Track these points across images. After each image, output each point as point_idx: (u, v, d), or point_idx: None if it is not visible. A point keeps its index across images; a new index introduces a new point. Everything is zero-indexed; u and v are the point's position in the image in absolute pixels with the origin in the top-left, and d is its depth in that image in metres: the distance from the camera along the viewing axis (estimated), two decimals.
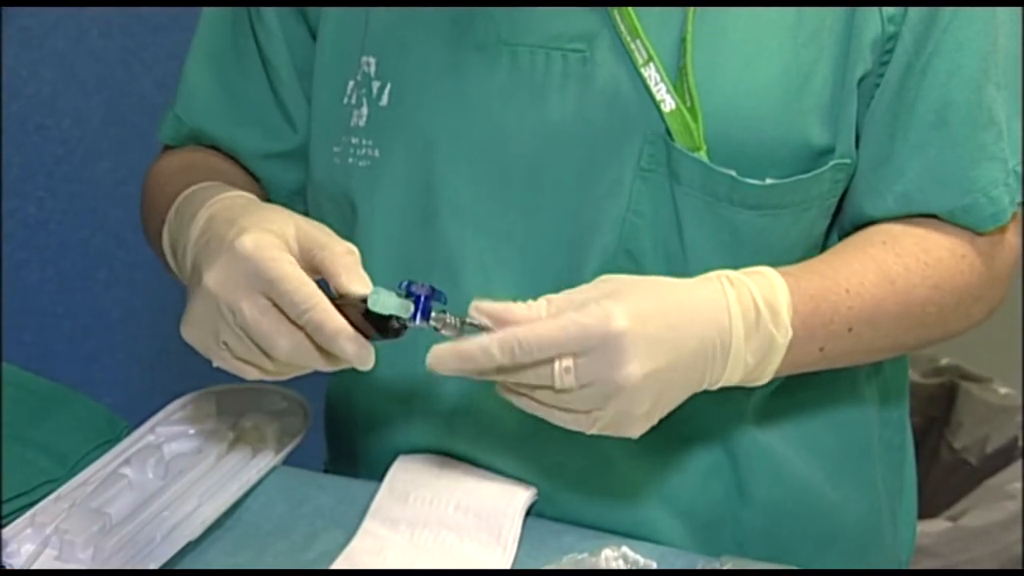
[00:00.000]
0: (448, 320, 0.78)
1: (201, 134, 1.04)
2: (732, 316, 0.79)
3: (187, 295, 0.82)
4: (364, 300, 0.77)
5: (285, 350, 0.77)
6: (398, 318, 0.77)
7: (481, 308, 0.77)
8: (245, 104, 1.01)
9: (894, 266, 0.88)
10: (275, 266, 0.76)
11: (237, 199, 0.86)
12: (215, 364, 0.82)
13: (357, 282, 0.77)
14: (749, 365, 0.81)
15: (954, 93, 0.87)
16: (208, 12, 1.03)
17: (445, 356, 0.76)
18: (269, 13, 0.98)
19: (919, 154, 0.88)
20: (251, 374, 0.80)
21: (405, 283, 0.78)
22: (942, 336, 0.93)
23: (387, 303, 0.77)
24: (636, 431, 0.80)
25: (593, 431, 0.79)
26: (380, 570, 0.88)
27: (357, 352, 0.76)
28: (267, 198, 1.02)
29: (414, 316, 0.77)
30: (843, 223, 0.94)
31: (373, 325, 0.78)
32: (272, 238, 0.78)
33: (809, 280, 0.84)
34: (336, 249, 0.78)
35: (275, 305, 0.76)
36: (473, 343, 0.75)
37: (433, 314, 0.78)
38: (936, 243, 0.90)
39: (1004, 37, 0.88)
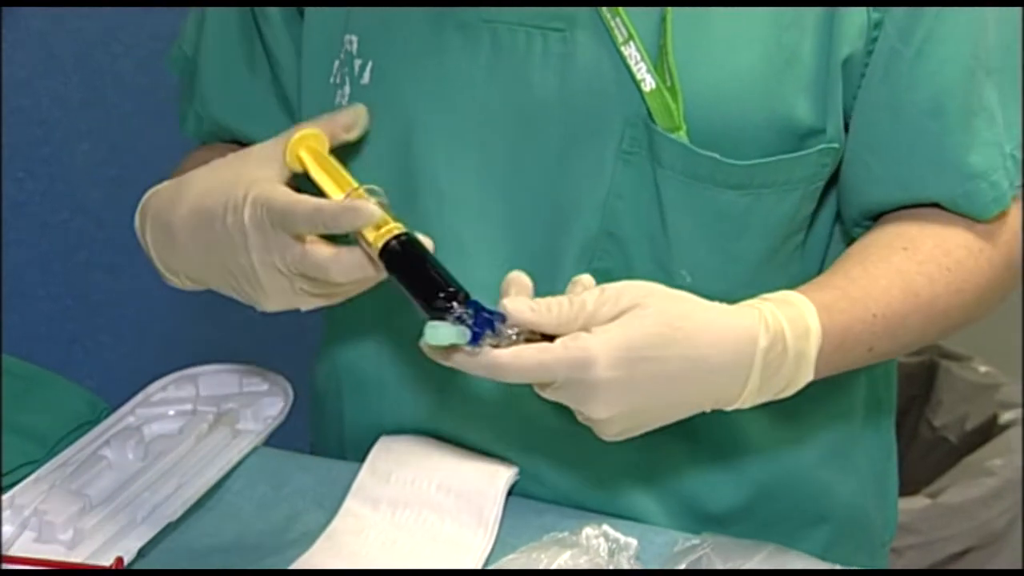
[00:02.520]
0: (505, 332, 0.75)
1: (221, 129, 1.04)
2: (752, 370, 0.78)
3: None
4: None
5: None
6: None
7: (510, 310, 0.76)
8: (254, 101, 1.01)
9: (918, 277, 0.87)
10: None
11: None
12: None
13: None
14: (753, 402, 0.81)
15: (948, 80, 0.86)
16: (213, 11, 1.02)
17: (434, 353, 0.76)
18: (273, 10, 0.98)
19: (917, 142, 0.88)
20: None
21: (445, 297, 0.75)
22: (962, 328, 0.93)
23: (445, 335, 0.74)
24: (618, 439, 0.80)
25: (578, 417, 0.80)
26: (381, 570, 0.88)
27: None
28: None
29: (473, 342, 0.74)
30: (852, 214, 0.93)
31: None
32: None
33: (840, 312, 0.82)
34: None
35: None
36: (460, 355, 0.75)
37: (488, 333, 0.75)
38: (955, 242, 0.89)
39: (995, 21, 0.88)
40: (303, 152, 0.85)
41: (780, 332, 0.78)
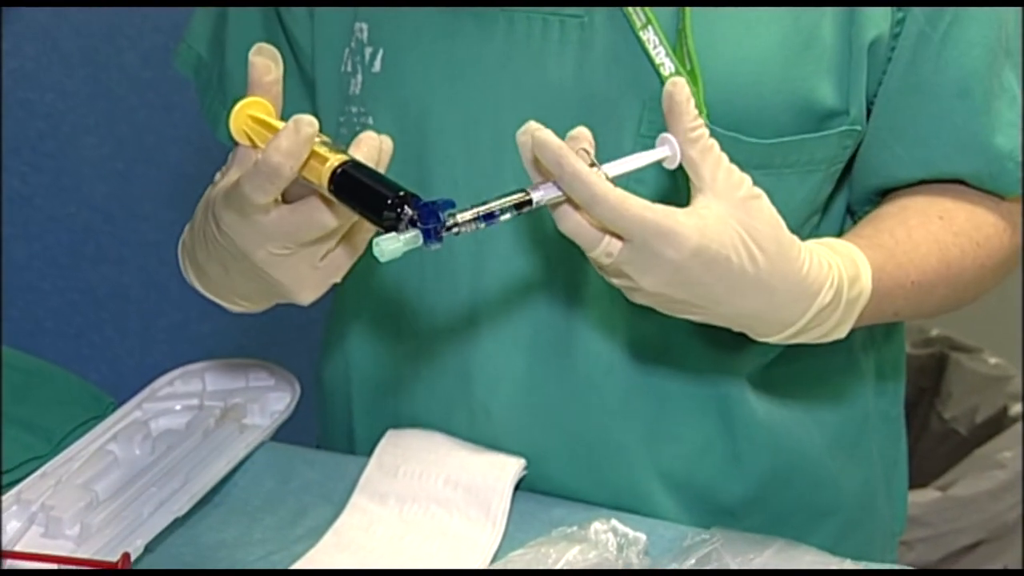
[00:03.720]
0: (462, 218, 0.69)
1: None
2: (801, 319, 0.78)
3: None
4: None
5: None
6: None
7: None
8: (288, 98, 1.00)
9: (952, 249, 0.88)
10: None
11: None
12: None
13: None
14: (780, 342, 0.80)
15: (976, 63, 0.87)
16: (234, 13, 1.01)
17: (540, 138, 0.71)
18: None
19: (943, 123, 0.89)
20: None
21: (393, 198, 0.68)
22: (968, 304, 0.94)
23: (391, 248, 0.67)
24: (635, 301, 0.78)
25: (601, 273, 0.77)
26: (379, 570, 0.87)
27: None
28: None
29: (427, 241, 0.68)
30: (864, 191, 0.94)
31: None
32: None
33: (887, 276, 0.83)
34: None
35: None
36: (562, 151, 0.71)
37: (442, 225, 0.68)
38: (983, 219, 0.91)
39: (1013, 7, 0.89)
40: (247, 123, 0.77)
41: (840, 292, 0.78)
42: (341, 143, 0.77)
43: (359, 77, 0.92)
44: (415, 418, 0.99)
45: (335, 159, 0.71)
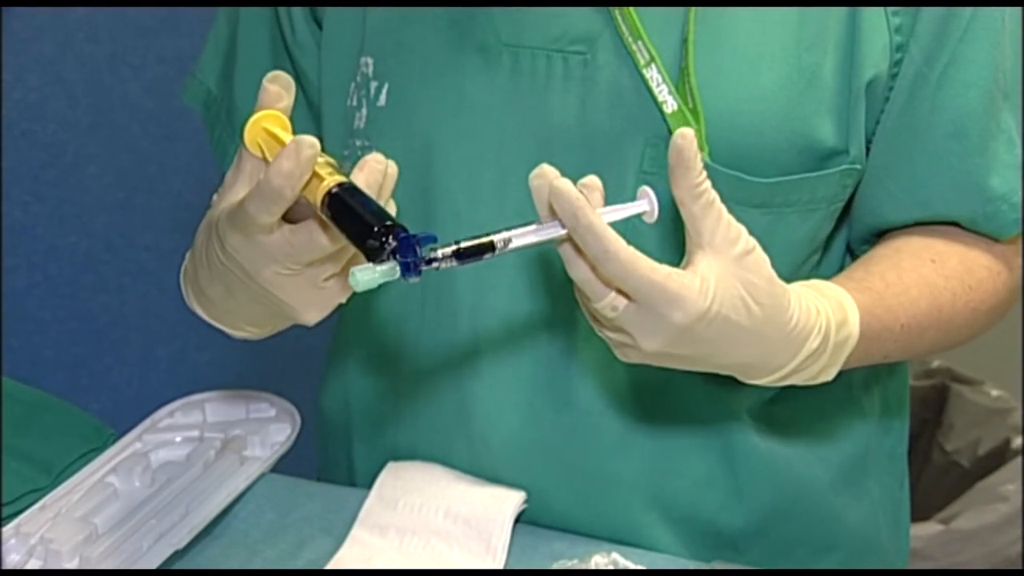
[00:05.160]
0: (442, 254, 0.69)
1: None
2: (791, 362, 0.78)
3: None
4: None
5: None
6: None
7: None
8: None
9: (943, 293, 0.88)
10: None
11: None
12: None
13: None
14: (768, 384, 0.81)
15: (972, 103, 0.87)
16: (244, 39, 1.01)
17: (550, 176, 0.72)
18: (302, 29, 0.97)
19: (938, 164, 0.89)
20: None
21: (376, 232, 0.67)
22: (960, 346, 0.94)
23: (370, 278, 0.67)
24: (628, 361, 0.78)
25: (601, 335, 0.78)
26: (380, 570, 0.87)
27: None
28: None
29: (407, 273, 0.68)
30: (861, 231, 0.94)
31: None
32: None
33: (875, 319, 0.83)
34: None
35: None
36: (574, 197, 0.71)
37: (425, 259, 0.68)
38: (976, 262, 0.90)
39: (1010, 47, 0.88)
40: (261, 135, 0.77)
41: (827, 337, 0.79)
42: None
43: (364, 111, 0.93)
44: (415, 450, 0.99)
45: (331, 181, 0.70)
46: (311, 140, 0.70)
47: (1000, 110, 0.88)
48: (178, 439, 1.01)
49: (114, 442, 1.01)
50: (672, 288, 0.71)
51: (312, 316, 0.79)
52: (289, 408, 1.04)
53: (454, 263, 0.70)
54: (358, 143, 0.93)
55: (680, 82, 0.85)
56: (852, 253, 0.97)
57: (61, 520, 0.90)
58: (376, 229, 0.67)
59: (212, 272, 0.81)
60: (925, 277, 0.88)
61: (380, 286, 0.68)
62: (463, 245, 0.70)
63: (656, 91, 0.85)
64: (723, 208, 0.73)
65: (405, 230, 0.67)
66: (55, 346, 1.90)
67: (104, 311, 1.90)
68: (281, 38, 0.99)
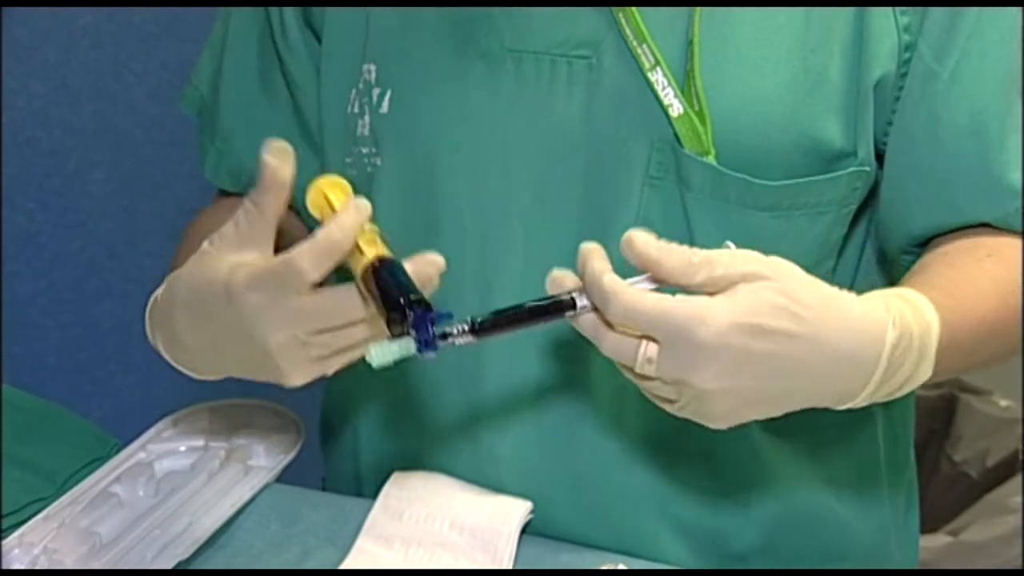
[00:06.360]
0: (462, 329, 0.72)
1: (242, 168, 1.03)
2: (879, 364, 0.74)
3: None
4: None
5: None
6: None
7: (636, 241, 0.73)
8: (275, 134, 0.99)
9: (1010, 284, 0.84)
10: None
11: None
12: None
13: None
14: (872, 399, 0.77)
15: (985, 99, 0.85)
16: (233, 41, 1.01)
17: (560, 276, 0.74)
18: (294, 33, 0.97)
19: (958, 163, 0.87)
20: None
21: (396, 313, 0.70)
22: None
23: (387, 353, 0.71)
24: (721, 425, 0.75)
25: (677, 413, 0.75)
26: (380, 570, 0.87)
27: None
28: None
29: (421, 350, 0.70)
30: (898, 241, 0.91)
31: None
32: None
33: (949, 310, 0.78)
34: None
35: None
36: (570, 274, 0.73)
37: (440, 334, 0.70)
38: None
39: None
40: (320, 199, 0.79)
41: (908, 326, 0.75)
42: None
43: (367, 118, 0.92)
44: (421, 460, 0.98)
45: (376, 251, 0.73)
46: (365, 202, 0.74)
47: (1015, 103, 0.86)
48: (182, 449, 1.01)
49: (117, 451, 1.01)
50: (682, 309, 0.69)
51: (298, 381, 0.78)
52: (294, 418, 1.04)
53: (471, 339, 0.72)
54: (363, 150, 0.93)
55: (685, 85, 0.84)
56: (890, 271, 0.95)
57: (65, 530, 0.90)
58: (402, 301, 0.69)
59: (205, 332, 0.79)
60: (987, 271, 0.84)
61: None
62: (479, 320, 0.72)
63: (661, 94, 0.84)
64: (724, 248, 0.72)
65: (422, 307, 0.69)
66: (58, 353, 1.89)
67: (108, 318, 1.90)
68: (271, 41, 0.99)
